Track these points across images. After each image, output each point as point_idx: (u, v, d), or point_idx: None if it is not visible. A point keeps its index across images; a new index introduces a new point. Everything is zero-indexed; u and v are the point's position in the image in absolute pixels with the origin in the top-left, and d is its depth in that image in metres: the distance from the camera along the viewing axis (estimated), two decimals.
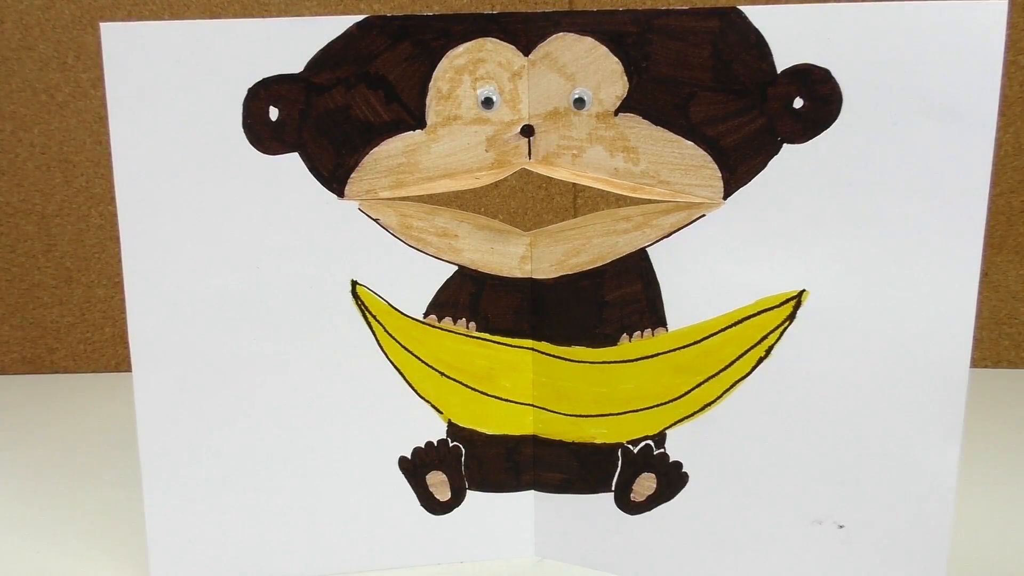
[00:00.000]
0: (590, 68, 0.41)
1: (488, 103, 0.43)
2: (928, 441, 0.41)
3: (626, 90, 0.41)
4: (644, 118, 0.41)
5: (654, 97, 0.41)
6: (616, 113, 0.41)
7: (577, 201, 0.85)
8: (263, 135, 0.43)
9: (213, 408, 0.46)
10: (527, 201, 0.85)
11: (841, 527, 0.43)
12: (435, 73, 0.42)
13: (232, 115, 0.42)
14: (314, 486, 0.47)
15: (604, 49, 0.41)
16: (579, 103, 0.42)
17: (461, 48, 0.42)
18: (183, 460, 0.46)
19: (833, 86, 0.38)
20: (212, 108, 0.42)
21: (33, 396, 0.82)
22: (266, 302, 0.45)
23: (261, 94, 0.42)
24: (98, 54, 0.81)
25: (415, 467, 0.48)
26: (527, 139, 0.43)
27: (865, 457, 0.42)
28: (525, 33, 0.42)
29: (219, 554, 0.47)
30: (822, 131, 0.39)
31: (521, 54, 0.42)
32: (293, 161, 0.43)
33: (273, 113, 0.42)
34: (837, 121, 0.39)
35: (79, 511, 0.58)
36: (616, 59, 0.41)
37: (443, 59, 0.42)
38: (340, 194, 0.44)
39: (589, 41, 0.41)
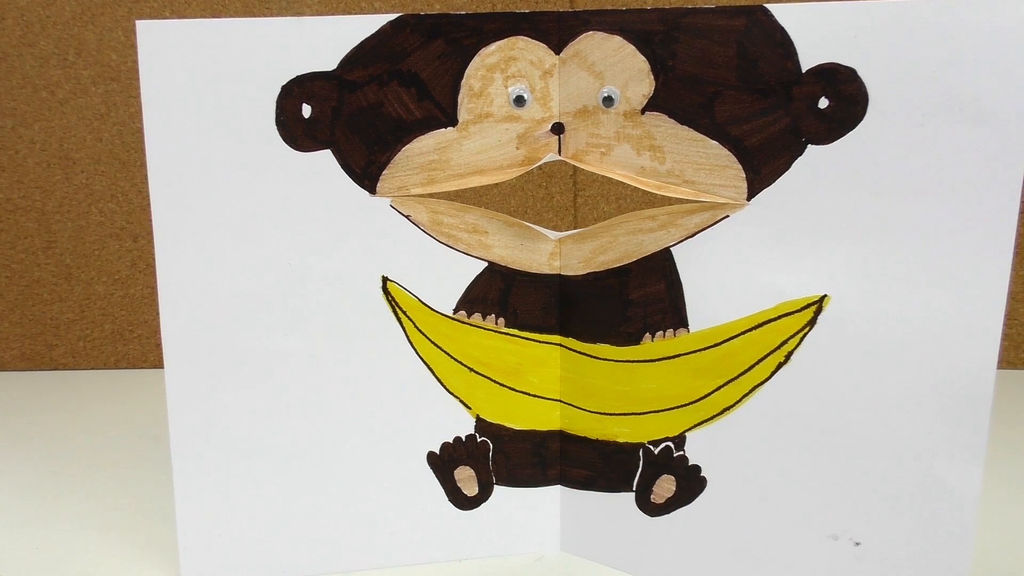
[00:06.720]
0: (618, 67, 0.41)
1: (520, 101, 0.43)
2: (950, 459, 0.40)
3: (652, 89, 0.41)
4: (670, 117, 0.41)
5: (680, 96, 0.41)
6: (643, 112, 0.42)
7: (577, 200, 0.86)
8: (296, 132, 0.43)
9: (244, 404, 0.46)
10: (527, 200, 0.86)
11: (857, 544, 0.42)
12: (467, 71, 0.42)
13: (265, 112, 0.42)
14: (343, 481, 0.48)
15: (631, 48, 0.41)
16: (607, 101, 0.42)
17: (493, 46, 0.42)
18: (213, 456, 0.46)
19: (859, 86, 0.38)
20: (246, 105, 0.42)
21: (33, 393, 0.82)
22: (298, 298, 0.45)
23: (294, 91, 0.42)
24: (98, 51, 0.81)
25: (443, 462, 0.48)
26: (557, 136, 0.44)
27: (884, 472, 0.41)
28: (556, 31, 0.42)
29: (249, 549, 0.48)
30: (847, 132, 0.39)
31: (552, 52, 0.42)
32: (325, 158, 0.43)
33: (306, 110, 0.43)
34: (863, 122, 0.38)
35: (79, 509, 0.58)
36: (643, 58, 0.41)
37: (475, 57, 0.42)
38: (372, 191, 0.44)
39: (617, 40, 0.41)
